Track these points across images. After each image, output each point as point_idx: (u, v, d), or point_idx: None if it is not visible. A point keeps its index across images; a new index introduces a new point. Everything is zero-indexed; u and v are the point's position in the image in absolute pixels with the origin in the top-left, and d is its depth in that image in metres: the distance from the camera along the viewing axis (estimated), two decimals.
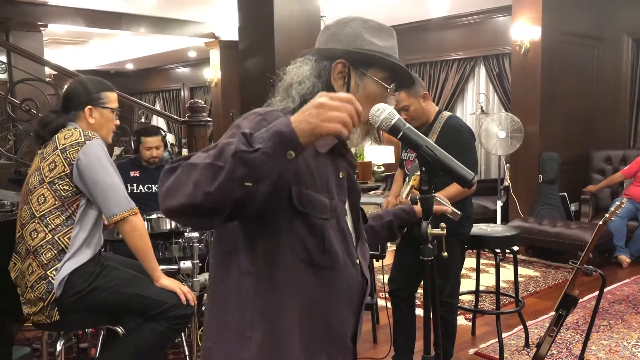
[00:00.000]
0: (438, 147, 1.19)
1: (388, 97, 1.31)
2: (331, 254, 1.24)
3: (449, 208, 1.59)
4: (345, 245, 1.29)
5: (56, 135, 2.26)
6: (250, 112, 1.23)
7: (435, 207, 2.56)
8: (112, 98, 2.40)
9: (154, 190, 3.84)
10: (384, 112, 1.18)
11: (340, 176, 1.32)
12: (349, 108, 1.01)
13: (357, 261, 1.33)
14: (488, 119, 5.98)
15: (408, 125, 1.18)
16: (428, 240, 1.17)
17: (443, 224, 1.17)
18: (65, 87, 2.50)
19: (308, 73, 1.29)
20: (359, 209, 1.41)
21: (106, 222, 2.32)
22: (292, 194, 1.19)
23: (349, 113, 1.01)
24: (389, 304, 3.15)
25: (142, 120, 11.21)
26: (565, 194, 6.04)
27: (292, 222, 1.20)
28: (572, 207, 6.13)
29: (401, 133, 1.17)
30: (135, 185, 3.79)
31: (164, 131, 4.06)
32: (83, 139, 2.20)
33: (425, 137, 1.20)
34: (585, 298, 4.25)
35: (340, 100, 1.01)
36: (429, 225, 1.18)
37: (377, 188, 7.96)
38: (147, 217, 3.04)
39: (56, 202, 2.19)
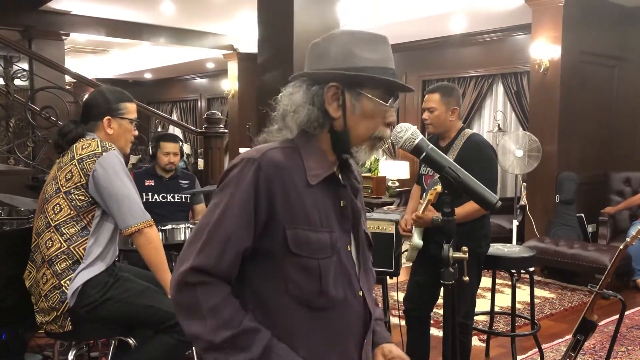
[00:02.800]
0: (461, 168, 1.16)
1: (388, 112, 1.26)
2: (329, 295, 1.22)
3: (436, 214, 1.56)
4: (347, 279, 1.27)
5: (74, 145, 2.26)
6: (242, 160, 1.22)
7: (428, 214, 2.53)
8: (131, 109, 2.40)
9: (169, 200, 3.85)
10: (407, 131, 1.17)
11: (342, 205, 1.29)
12: None
13: (360, 294, 1.30)
14: (505, 137, 5.93)
15: (431, 145, 1.16)
16: (449, 264, 1.15)
17: (465, 248, 1.14)
18: (86, 96, 2.51)
19: (301, 100, 1.24)
20: (363, 236, 1.37)
21: (123, 232, 2.32)
22: (287, 238, 1.19)
23: None
24: (402, 322, 3.11)
25: (159, 129, 11.28)
26: (582, 214, 5.95)
27: (285, 265, 1.20)
28: (590, 229, 6.04)
29: (424, 154, 1.15)
30: (150, 194, 3.80)
31: (181, 140, 4.09)
32: (100, 150, 2.21)
33: (448, 158, 1.18)
34: (603, 322, 4.17)
35: None
36: (451, 249, 1.15)
37: (391, 203, 7.92)
38: (162, 228, 3.04)
39: (71, 212, 2.19)
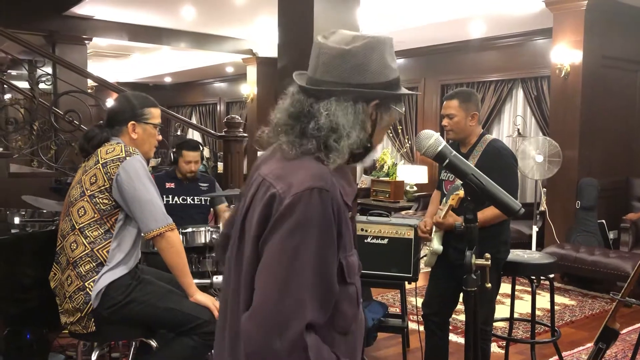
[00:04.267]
0: (484, 175, 1.17)
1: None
2: (358, 317, 1.20)
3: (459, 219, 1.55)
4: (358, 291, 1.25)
5: (99, 149, 2.31)
6: (311, 190, 1.08)
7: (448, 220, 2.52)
8: (155, 114, 2.44)
9: (188, 202, 3.89)
10: (430, 138, 1.17)
11: (350, 216, 1.24)
12: None
13: (361, 300, 1.29)
14: (525, 142, 5.89)
15: (454, 152, 1.17)
16: (472, 271, 1.15)
17: (488, 255, 1.15)
18: (111, 102, 2.55)
19: (351, 122, 1.16)
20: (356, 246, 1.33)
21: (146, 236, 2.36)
22: (343, 268, 1.12)
23: None
24: (420, 327, 3.10)
25: (178, 133, 11.39)
26: (603, 221, 5.88)
27: (339, 299, 1.13)
28: (611, 235, 5.96)
29: (447, 160, 1.16)
30: (170, 196, 3.84)
31: (202, 145, 4.12)
32: (124, 155, 2.24)
33: (472, 165, 1.18)
34: (625, 331, 4.11)
35: None
36: (473, 255, 1.15)
37: (409, 208, 7.90)
38: (182, 231, 3.07)
39: (95, 215, 2.23)
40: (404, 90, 1.22)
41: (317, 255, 1.06)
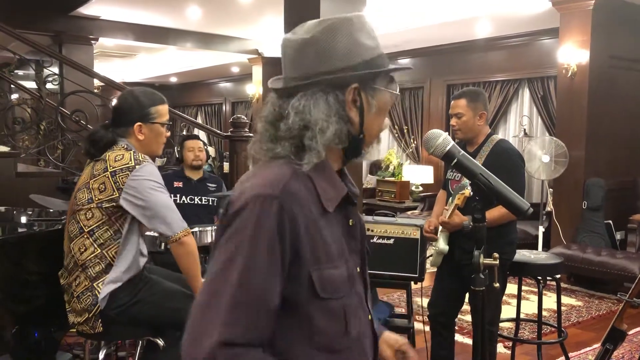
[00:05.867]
0: (492, 175, 1.16)
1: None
2: (351, 333, 1.10)
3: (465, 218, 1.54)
4: (361, 306, 1.16)
5: (107, 154, 2.24)
6: (257, 197, 1.00)
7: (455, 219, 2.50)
8: (162, 111, 2.35)
9: (196, 202, 3.91)
10: (439, 138, 1.17)
11: (351, 224, 1.15)
12: None
13: (369, 317, 1.20)
14: (531, 142, 5.87)
15: (462, 152, 1.16)
16: (480, 270, 1.15)
17: (496, 254, 1.14)
18: (116, 99, 2.46)
19: (324, 115, 1.05)
20: (366, 253, 1.24)
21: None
22: (313, 282, 1.03)
23: None
24: (426, 328, 3.10)
25: (184, 132, 11.42)
26: (610, 221, 5.85)
27: (312, 314, 1.05)
28: (618, 236, 5.94)
29: (455, 160, 1.15)
30: (178, 196, 3.86)
31: (204, 143, 4.22)
32: (133, 164, 2.19)
33: (480, 165, 1.18)
34: (632, 332, 4.10)
35: None
36: (481, 255, 1.15)
37: (414, 208, 7.90)
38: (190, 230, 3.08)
39: (104, 217, 2.21)
40: (387, 67, 1.09)
41: (243, 268, 0.98)
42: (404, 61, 8.69)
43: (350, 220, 1.15)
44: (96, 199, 2.21)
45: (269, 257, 0.98)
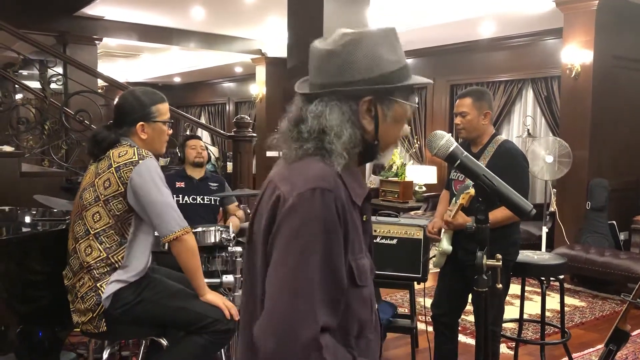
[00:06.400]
0: (495, 176, 1.16)
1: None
2: (373, 320, 1.19)
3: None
4: (372, 297, 1.23)
5: (111, 152, 2.27)
6: (314, 190, 1.08)
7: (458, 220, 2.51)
8: (163, 110, 2.37)
9: (198, 202, 3.91)
10: (442, 139, 1.17)
11: (364, 219, 1.23)
12: None
13: (376, 306, 1.28)
14: (535, 143, 5.86)
15: (466, 153, 1.17)
16: (483, 271, 1.15)
17: (499, 255, 1.14)
18: (117, 99, 2.47)
19: (339, 121, 1.14)
20: (372, 249, 1.31)
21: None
22: (353, 271, 1.11)
23: None
24: (429, 328, 3.10)
25: (187, 132, 11.43)
26: (614, 222, 5.84)
27: (350, 302, 1.12)
28: (621, 236, 5.92)
29: (459, 161, 1.16)
30: (180, 196, 3.86)
31: (206, 144, 4.24)
32: (137, 158, 2.21)
33: (483, 166, 1.18)
34: (635, 333, 4.09)
35: None
36: (484, 256, 1.15)
37: (418, 208, 7.89)
38: (193, 231, 3.08)
39: (110, 221, 2.23)
40: (403, 82, 1.17)
41: (323, 256, 1.05)
42: (408, 61, 8.66)
43: (364, 216, 1.21)
44: (102, 195, 2.23)
45: (339, 244, 1.07)
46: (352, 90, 1.14)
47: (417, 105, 1.20)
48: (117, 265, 2.23)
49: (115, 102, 2.46)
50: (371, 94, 1.15)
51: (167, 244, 2.27)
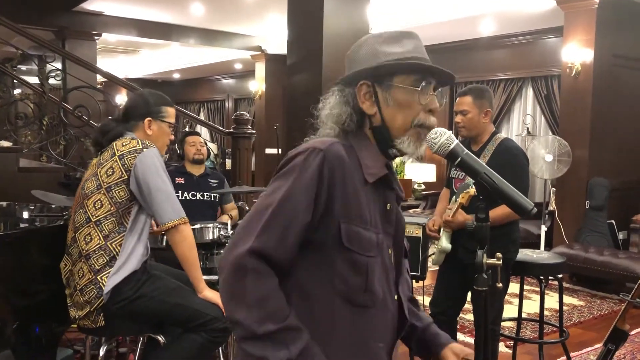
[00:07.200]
0: (496, 174, 1.15)
1: (428, 98, 1.25)
2: (373, 293, 1.24)
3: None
4: (387, 281, 1.29)
5: (114, 143, 2.32)
6: (308, 149, 1.21)
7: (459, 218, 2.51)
8: (171, 113, 2.48)
9: (198, 198, 3.91)
10: (442, 136, 1.16)
11: (388, 208, 1.30)
12: None
13: (396, 297, 1.32)
14: (535, 141, 5.86)
15: (466, 151, 1.16)
16: (483, 270, 1.14)
17: (499, 254, 1.14)
18: (127, 97, 2.57)
19: (335, 102, 1.28)
20: (402, 243, 1.38)
21: (156, 229, 2.36)
22: (341, 232, 1.19)
23: None
24: None
25: (187, 129, 11.42)
26: (613, 221, 5.84)
27: (335, 259, 1.20)
28: (620, 236, 5.92)
29: (459, 159, 1.15)
30: (180, 192, 3.85)
31: (205, 140, 4.23)
32: (141, 147, 2.27)
33: (483, 164, 1.17)
34: (633, 332, 4.09)
35: None
36: (484, 255, 1.14)
37: (417, 206, 7.89)
38: (191, 227, 3.07)
39: (112, 208, 2.25)
40: (390, 61, 1.24)
41: (284, 195, 1.17)
42: None
43: (388, 204, 1.29)
44: (105, 183, 2.26)
45: (305, 192, 1.17)
46: (347, 78, 1.29)
47: (418, 89, 1.24)
48: (114, 253, 2.23)
49: (125, 101, 2.53)
50: (365, 78, 1.26)
51: (165, 240, 2.28)
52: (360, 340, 1.24)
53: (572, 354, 3.50)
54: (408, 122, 1.24)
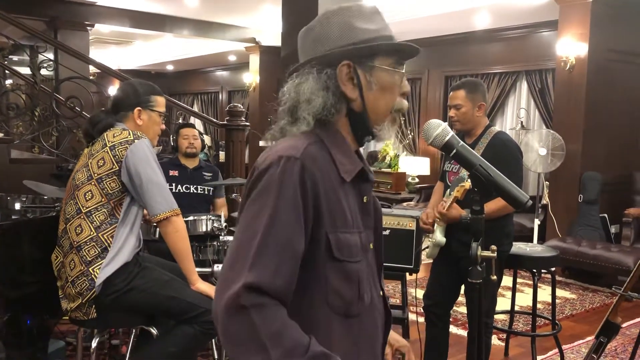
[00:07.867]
0: (491, 166, 1.15)
1: (404, 82, 1.19)
2: (364, 300, 1.16)
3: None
4: (372, 280, 1.21)
5: (105, 134, 2.30)
6: (280, 158, 1.07)
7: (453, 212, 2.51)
8: (160, 102, 2.45)
9: (192, 191, 3.89)
10: (438, 128, 1.16)
11: (365, 201, 1.21)
12: None
13: (381, 293, 1.26)
14: (528, 135, 5.87)
15: (462, 142, 1.15)
16: (477, 263, 1.13)
17: (494, 247, 1.13)
18: (116, 88, 2.55)
19: (313, 88, 1.13)
20: (381, 232, 1.30)
21: (148, 218, 2.35)
22: (330, 243, 1.09)
23: None
24: (420, 319, 3.09)
25: (180, 121, 11.37)
26: (605, 215, 5.86)
27: (328, 274, 1.10)
28: (613, 230, 5.95)
29: (455, 150, 1.14)
30: (174, 185, 3.83)
31: (200, 132, 4.20)
32: (132, 138, 2.25)
33: (479, 156, 1.16)
34: (625, 325, 4.11)
35: None
36: (479, 247, 1.14)
37: (410, 199, 7.89)
38: (184, 219, 3.06)
39: (102, 199, 2.23)
40: (378, 42, 1.13)
41: (270, 219, 1.03)
42: None
43: (365, 197, 1.20)
44: (96, 174, 2.24)
45: (292, 209, 1.04)
46: (325, 56, 1.14)
47: (402, 72, 1.18)
48: (107, 246, 2.21)
49: (114, 91, 2.53)
50: (347, 58, 1.13)
51: (158, 232, 2.26)
52: (355, 349, 1.17)
53: (564, 347, 3.52)
54: (389, 107, 1.16)
